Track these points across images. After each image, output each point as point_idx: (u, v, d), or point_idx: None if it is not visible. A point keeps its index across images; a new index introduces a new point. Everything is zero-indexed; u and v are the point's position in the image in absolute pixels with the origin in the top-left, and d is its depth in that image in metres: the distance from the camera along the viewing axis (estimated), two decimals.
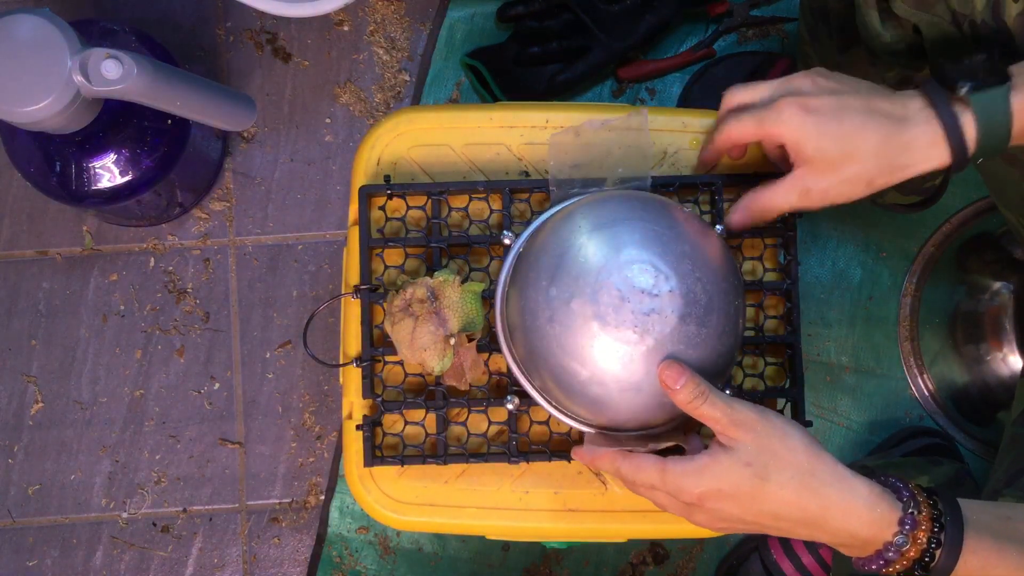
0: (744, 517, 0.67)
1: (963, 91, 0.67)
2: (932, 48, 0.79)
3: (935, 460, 1.14)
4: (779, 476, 0.66)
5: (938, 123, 0.68)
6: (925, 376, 1.23)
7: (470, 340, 0.78)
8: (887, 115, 0.69)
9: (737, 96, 0.75)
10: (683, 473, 0.67)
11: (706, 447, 0.69)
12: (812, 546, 1.13)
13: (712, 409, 0.67)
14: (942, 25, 0.76)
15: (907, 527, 0.65)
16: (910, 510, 0.65)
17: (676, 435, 0.74)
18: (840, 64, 0.97)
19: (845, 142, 0.69)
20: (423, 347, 0.76)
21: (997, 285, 1.22)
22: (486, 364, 0.80)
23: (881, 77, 0.92)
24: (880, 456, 1.19)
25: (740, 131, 0.73)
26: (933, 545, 0.65)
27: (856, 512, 0.65)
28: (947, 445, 1.19)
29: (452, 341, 0.76)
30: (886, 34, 0.83)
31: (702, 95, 1.23)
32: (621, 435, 0.76)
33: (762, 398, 0.80)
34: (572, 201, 0.78)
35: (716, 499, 0.67)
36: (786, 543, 1.14)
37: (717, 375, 0.72)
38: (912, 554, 0.65)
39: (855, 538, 0.66)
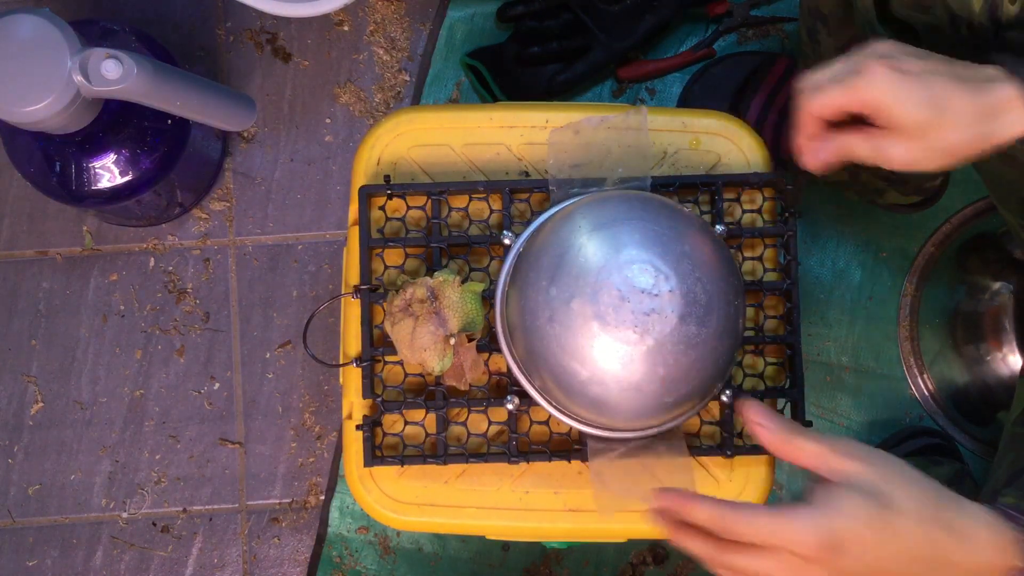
0: (874, 564, 0.58)
1: None
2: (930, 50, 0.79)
3: (935, 460, 1.14)
4: (905, 505, 0.58)
5: (1020, 87, 0.63)
6: (925, 376, 1.23)
7: (470, 340, 0.78)
8: (971, 80, 0.64)
9: (811, 79, 0.67)
10: (806, 516, 0.58)
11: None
12: None
13: (813, 443, 0.60)
14: (940, 27, 0.76)
15: None
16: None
17: (675, 432, 0.74)
18: None
19: (935, 109, 0.63)
20: (423, 347, 0.76)
21: (997, 285, 1.22)
22: (486, 364, 0.80)
23: None
24: None
25: (823, 101, 0.65)
26: None
27: (984, 539, 0.59)
28: (947, 445, 1.19)
29: (452, 341, 0.76)
30: (884, 36, 0.83)
31: (702, 95, 1.23)
32: (620, 437, 0.76)
33: (762, 398, 0.80)
34: (572, 201, 0.78)
35: (841, 547, 0.57)
36: None
37: (717, 375, 0.72)
38: None
39: (984, 570, 0.59)
